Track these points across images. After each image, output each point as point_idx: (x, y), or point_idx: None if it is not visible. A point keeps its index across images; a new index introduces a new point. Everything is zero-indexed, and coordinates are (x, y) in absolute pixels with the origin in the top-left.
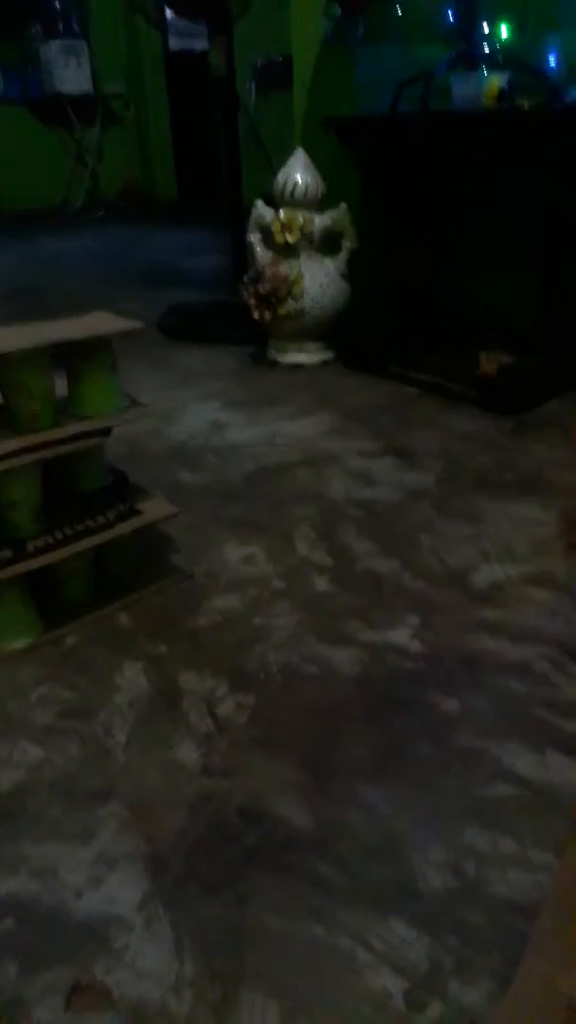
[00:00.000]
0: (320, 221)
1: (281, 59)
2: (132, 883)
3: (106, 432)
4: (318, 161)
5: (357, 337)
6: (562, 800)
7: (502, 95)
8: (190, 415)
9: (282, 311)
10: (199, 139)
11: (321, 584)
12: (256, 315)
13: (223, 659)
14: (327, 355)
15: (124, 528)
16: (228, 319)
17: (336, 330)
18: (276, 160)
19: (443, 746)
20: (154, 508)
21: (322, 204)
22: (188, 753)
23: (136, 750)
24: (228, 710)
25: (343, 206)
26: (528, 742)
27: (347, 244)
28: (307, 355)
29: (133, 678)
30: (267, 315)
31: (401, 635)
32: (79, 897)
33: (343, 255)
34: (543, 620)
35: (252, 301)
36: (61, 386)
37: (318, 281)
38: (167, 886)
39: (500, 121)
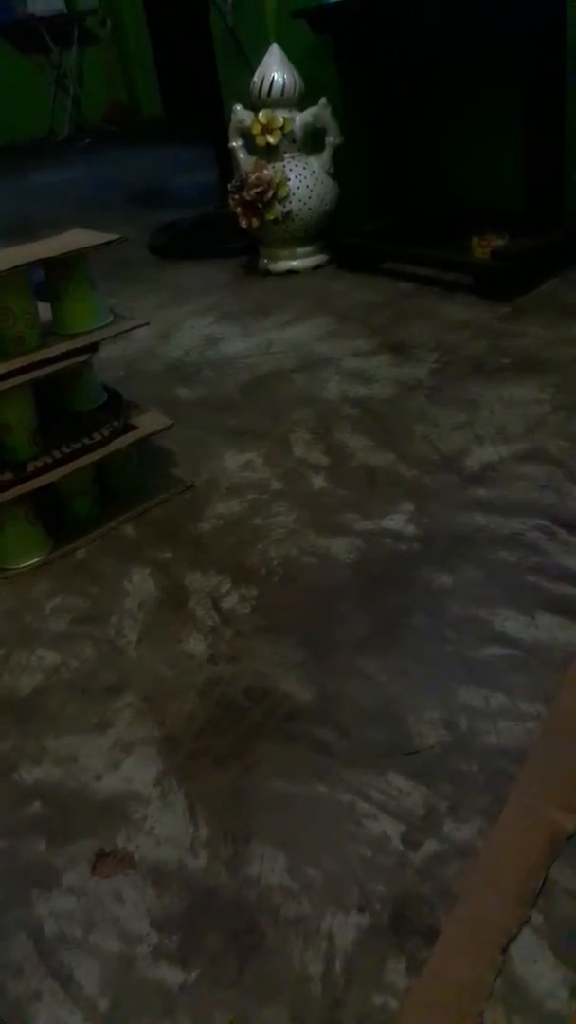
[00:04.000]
0: (301, 119)
1: None
2: (147, 763)
3: (92, 349)
4: (294, 56)
5: (349, 236)
6: (552, 656)
7: None
8: (185, 332)
9: (269, 216)
10: (181, 50)
11: (318, 482)
12: (244, 223)
13: (226, 558)
14: (320, 259)
15: (120, 443)
16: (218, 232)
17: (328, 232)
18: (255, 62)
19: (437, 617)
20: (149, 422)
21: (302, 101)
22: (196, 645)
23: (147, 647)
24: (232, 603)
25: (323, 100)
26: (519, 606)
27: (330, 140)
28: (299, 260)
29: (141, 583)
30: (255, 222)
31: (396, 521)
32: (99, 779)
33: (327, 152)
34: (534, 494)
35: (239, 209)
36: (45, 310)
37: (304, 181)
38: (180, 763)
39: None
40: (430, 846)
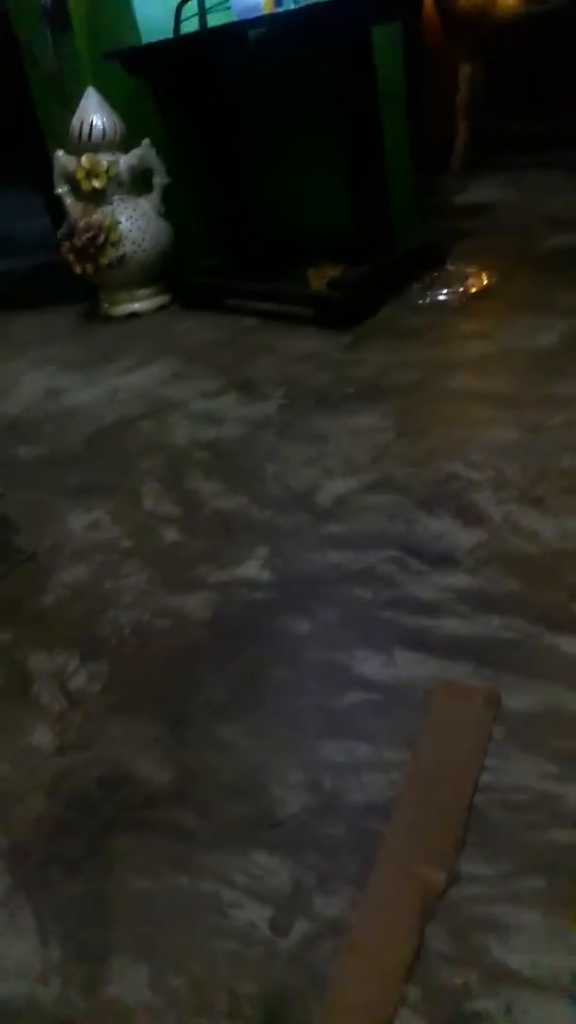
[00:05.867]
0: (125, 161)
1: None
2: None
3: None
4: (114, 99)
5: (189, 275)
6: (411, 694)
7: None
8: (24, 386)
9: (103, 261)
10: (9, 94)
11: (170, 535)
12: (78, 270)
13: (73, 633)
14: (162, 299)
15: None
16: (57, 279)
17: (167, 272)
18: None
19: (296, 668)
20: None
21: (125, 143)
22: (41, 736)
23: None
24: (80, 683)
25: (146, 142)
26: (375, 646)
27: (157, 181)
28: (140, 303)
29: None
30: (89, 268)
31: (251, 569)
32: None
33: (156, 192)
34: (384, 524)
35: (71, 256)
36: None
37: (136, 224)
38: (28, 877)
39: (282, 24)
40: (300, 928)
